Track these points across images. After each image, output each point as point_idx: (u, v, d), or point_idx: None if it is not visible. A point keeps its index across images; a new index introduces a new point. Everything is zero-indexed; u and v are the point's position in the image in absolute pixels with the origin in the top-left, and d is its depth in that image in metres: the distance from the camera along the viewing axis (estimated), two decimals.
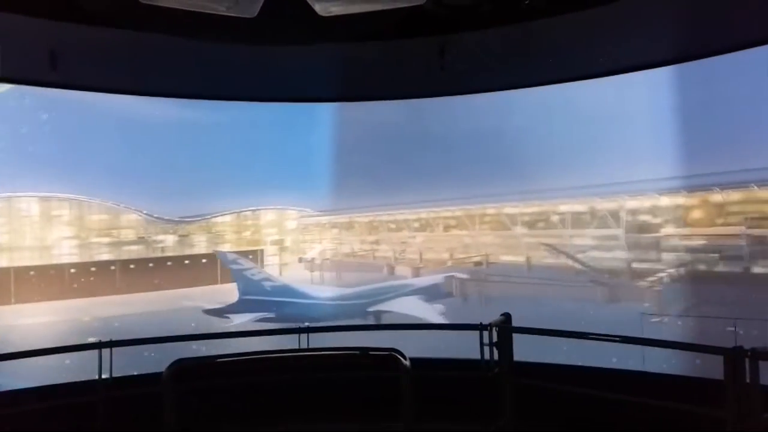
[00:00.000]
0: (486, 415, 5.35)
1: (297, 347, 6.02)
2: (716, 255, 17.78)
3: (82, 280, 23.75)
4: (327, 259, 23.23)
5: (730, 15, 6.21)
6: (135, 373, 5.90)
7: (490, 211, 22.01)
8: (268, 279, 16.32)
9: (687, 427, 4.60)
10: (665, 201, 18.83)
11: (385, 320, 16.78)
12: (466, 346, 5.16)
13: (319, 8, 5.48)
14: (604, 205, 20.14)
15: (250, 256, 20.11)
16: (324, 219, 24.69)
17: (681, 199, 18.49)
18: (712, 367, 4.03)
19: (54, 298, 23.32)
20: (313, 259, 22.75)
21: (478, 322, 5.50)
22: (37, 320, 22.27)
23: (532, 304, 16.98)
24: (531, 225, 22.02)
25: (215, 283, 20.15)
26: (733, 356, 3.97)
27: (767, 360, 3.96)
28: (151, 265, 21.79)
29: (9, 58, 6.17)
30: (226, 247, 21.06)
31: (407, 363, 4.18)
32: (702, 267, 17.96)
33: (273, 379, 5.35)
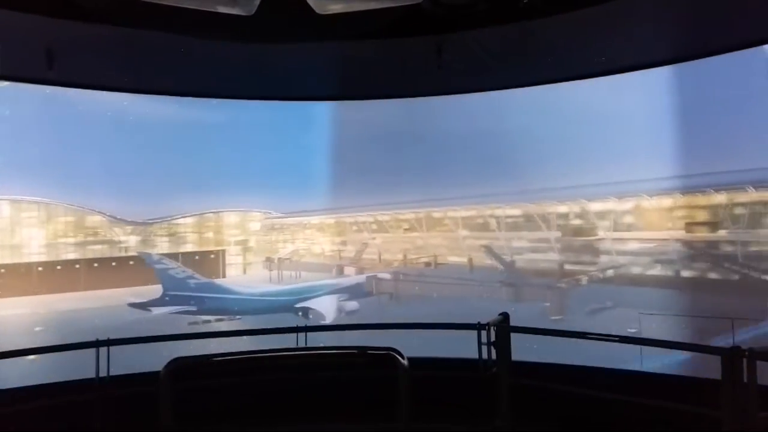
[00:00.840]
0: (484, 415, 5.36)
1: (295, 346, 6.03)
2: (648, 258, 18.53)
3: (50, 277, 24.49)
4: (287, 259, 24.07)
5: (728, 15, 6.22)
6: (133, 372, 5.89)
7: (437, 214, 22.83)
8: (191, 277, 17.67)
9: (684, 426, 4.61)
10: (612, 205, 19.34)
11: (302, 314, 17.78)
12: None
13: (317, 6, 5.47)
14: (552, 209, 20.81)
15: (212, 256, 21.21)
16: (292, 220, 25.40)
17: (629, 204, 18.97)
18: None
19: (22, 294, 24.27)
20: (273, 260, 23.66)
21: (476, 321, 5.50)
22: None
23: (442, 301, 17.88)
24: (473, 228, 22.83)
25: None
26: (731, 356, 3.97)
27: (765, 360, 3.96)
28: (114, 264, 22.42)
29: (5, 55, 6.15)
30: (188, 248, 21.81)
31: (405, 362, 4.18)
32: (636, 270, 18.64)
33: (271, 378, 5.35)
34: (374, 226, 25.46)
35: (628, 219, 19.47)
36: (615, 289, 18.34)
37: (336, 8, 5.65)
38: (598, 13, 5.78)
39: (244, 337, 6.46)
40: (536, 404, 5.32)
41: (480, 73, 7.95)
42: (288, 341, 6.22)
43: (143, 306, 18.85)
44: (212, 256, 21.84)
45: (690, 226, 18.02)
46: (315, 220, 26.16)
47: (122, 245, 22.72)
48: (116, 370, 5.23)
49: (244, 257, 22.96)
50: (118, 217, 23.27)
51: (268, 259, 24.02)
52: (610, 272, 19.08)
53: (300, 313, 18.43)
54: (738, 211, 17.35)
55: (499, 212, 21.42)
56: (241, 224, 24.18)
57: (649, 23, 6.38)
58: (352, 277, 21.93)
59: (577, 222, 20.48)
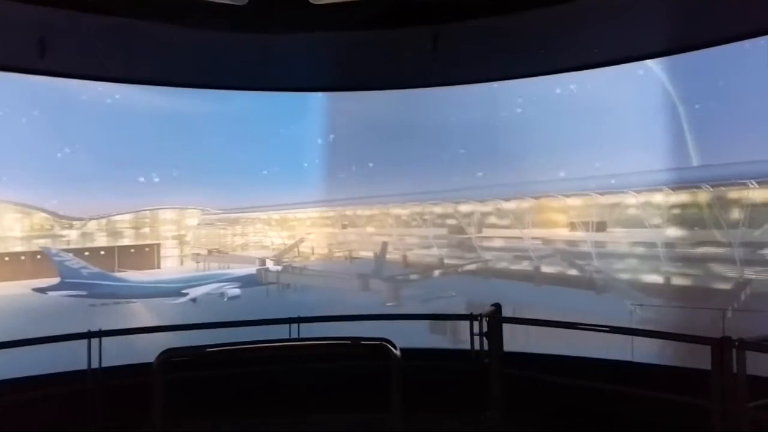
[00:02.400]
0: (476, 405, 5.39)
1: (288, 337, 6.04)
2: (512, 255, 20.08)
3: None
4: (218, 252, 25.39)
5: (720, 7, 6.23)
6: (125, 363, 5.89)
7: (347, 212, 24.56)
8: (85, 267, 20.24)
9: (674, 416, 4.64)
10: (511, 205, 20.50)
11: (187, 298, 19.38)
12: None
13: None
14: (442, 208, 22.43)
15: (147, 249, 23.29)
16: (237, 215, 26.64)
17: (528, 203, 20.04)
18: None
19: None
20: (199, 254, 25.06)
21: (469, 312, 5.53)
22: None
23: (311, 292, 19.56)
24: (376, 224, 24.66)
25: (113, 270, 22.33)
26: (720, 346, 4.00)
27: (754, 350, 4.00)
28: (38, 257, 23.69)
29: None
30: (125, 242, 23.33)
31: (398, 353, 4.19)
32: (502, 265, 20.14)
33: (264, 369, 5.37)
34: (308, 222, 27.00)
35: (528, 217, 20.54)
36: (471, 281, 19.91)
37: None
38: (592, 4, 5.79)
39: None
40: (528, 394, 5.35)
41: (474, 64, 7.95)
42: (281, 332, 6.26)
43: (43, 290, 21.21)
44: (147, 249, 23.65)
45: (572, 225, 19.05)
46: (264, 215, 27.40)
47: (64, 239, 23.97)
48: None
49: (180, 250, 24.39)
50: (61, 213, 24.33)
51: (196, 254, 25.49)
52: (478, 265, 20.72)
53: (181, 298, 20.30)
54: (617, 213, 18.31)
55: (397, 211, 23.26)
56: (179, 220, 25.50)
57: (642, 15, 6.38)
58: (244, 268, 23.65)
59: (463, 220, 22.08)
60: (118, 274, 21.67)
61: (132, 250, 24.37)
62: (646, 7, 6.24)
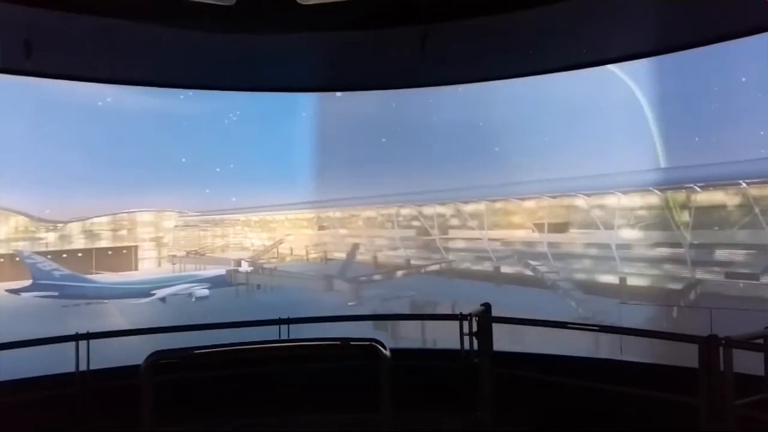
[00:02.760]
0: (466, 404, 5.40)
1: (278, 338, 6.03)
2: (473, 255, 21.24)
3: None
4: (195, 254, 26.31)
5: (710, 8, 6.27)
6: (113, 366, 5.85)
7: (329, 214, 25.75)
8: (57, 269, 20.82)
9: (663, 414, 4.68)
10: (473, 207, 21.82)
11: (156, 299, 20.29)
12: None
13: None
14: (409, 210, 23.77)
15: (124, 251, 24.05)
16: (216, 218, 27.79)
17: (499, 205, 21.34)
18: None
19: None
20: (175, 255, 25.96)
21: (458, 312, 5.54)
22: None
23: (279, 292, 19.71)
24: (352, 226, 25.77)
25: (90, 271, 23.08)
26: (707, 344, 4.03)
27: (741, 348, 4.03)
28: (17, 258, 24.35)
29: None
30: (102, 244, 24.19)
31: (387, 353, 4.19)
32: (464, 265, 21.30)
33: (253, 370, 5.35)
34: (286, 224, 28.05)
35: (490, 219, 21.88)
36: (434, 280, 21.12)
37: None
38: (581, 5, 5.82)
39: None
40: (518, 393, 5.37)
41: (464, 64, 7.96)
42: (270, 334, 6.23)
43: (16, 291, 21.59)
44: (124, 251, 24.39)
45: (536, 226, 20.11)
46: (243, 217, 28.29)
47: (43, 242, 24.52)
48: None
49: (158, 252, 25.09)
50: (42, 217, 24.93)
51: (172, 255, 26.30)
52: (441, 266, 22.13)
53: (149, 298, 21.00)
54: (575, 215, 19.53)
55: (368, 213, 24.51)
56: (157, 222, 26.23)
57: (631, 15, 6.42)
58: (216, 269, 24.38)
59: (427, 222, 23.40)
60: (89, 276, 21.94)
61: (109, 252, 24.84)
62: (633, 8, 6.27)
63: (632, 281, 16.55)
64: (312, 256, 25.85)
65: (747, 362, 4.07)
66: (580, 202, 18.41)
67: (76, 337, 5.18)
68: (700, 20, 6.60)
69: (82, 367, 5.23)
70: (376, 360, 4.17)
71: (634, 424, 5.31)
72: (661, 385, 4.35)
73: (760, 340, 4.21)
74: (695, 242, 14.72)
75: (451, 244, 22.06)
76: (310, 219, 26.62)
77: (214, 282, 22.88)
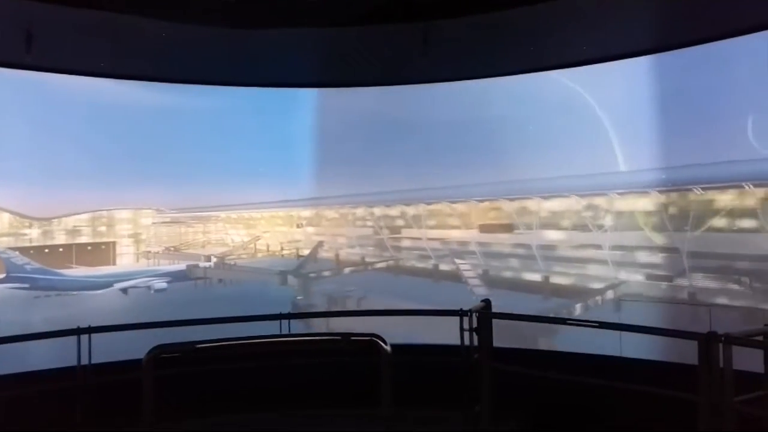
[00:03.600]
0: (466, 400, 5.41)
1: (278, 333, 6.03)
2: (417, 253, 21.80)
3: None
4: (173, 250, 27.41)
5: (709, 5, 6.28)
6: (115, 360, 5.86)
7: (307, 212, 27.30)
8: (28, 263, 21.86)
9: (662, 411, 4.69)
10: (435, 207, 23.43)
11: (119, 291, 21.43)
12: None
13: None
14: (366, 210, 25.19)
15: (103, 247, 24.94)
16: (191, 214, 29.00)
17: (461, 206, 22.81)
18: None
19: None
20: (150, 251, 27.06)
21: (458, 308, 5.55)
22: None
23: (236, 286, 21.28)
24: (315, 224, 27.07)
25: (71, 265, 23.99)
26: (707, 341, 4.04)
27: (740, 345, 4.04)
28: (17, 252, 25.24)
29: None
30: (83, 239, 25.18)
31: (388, 348, 4.20)
32: (411, 263, 21.87)
33: (254, 365, 5.36)
34: (262, 222, 29.77)
35: (432, 221, 23.58)
36: (379, 277, 21.95)
37: None
38: (581, 2, 5.82)
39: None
40: (517, 389, 5.37)
41: (464, 61, 7.97)
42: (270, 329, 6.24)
43: None
44: (103, 247, 25.34)
45: (482, 227, 21.65)
46: (223, 214, 29.48)
47: (26, 237, 25.47)
48: None
49: (136, 248, 26.11)
50: (26, 214, 25.83)
51: (147, 251, 27.25)
52: (388, 263, 22.79)
53: (110, 289, 22.08)
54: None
55: (328, 213, 26.10)
56: (135, 219, 27.17)
57: (630, 12, 6.42)
58: (181, 264, 25.50)
59: (379, 222, 24.85)
60: (58, 270, 23.21)
61: (89, 248, 25.80)
62: (633, 5, 6.28)
63: (554, 280, 17.80)
64: (285, 252, 27.15)
65: (746, 359, 4.09)
66: (505, 204, 19.36)
67: (78, 331, 5.18)
68: (699, 18, 6.61)
69: (84, 361, 5.23)
70: (377, 355, 4.19)
71: (633, 421, 5.33)
72: (660, 382, 4.36)
73: (760, 337, 4.23)
74: (615, 244, 16.34)
75: (398, 243, 22.84)
76: (285, 217, 27.90)
77: (177, 276, 23.82)
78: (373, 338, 4.29)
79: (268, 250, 26.99)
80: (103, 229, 25.79)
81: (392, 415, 4.23)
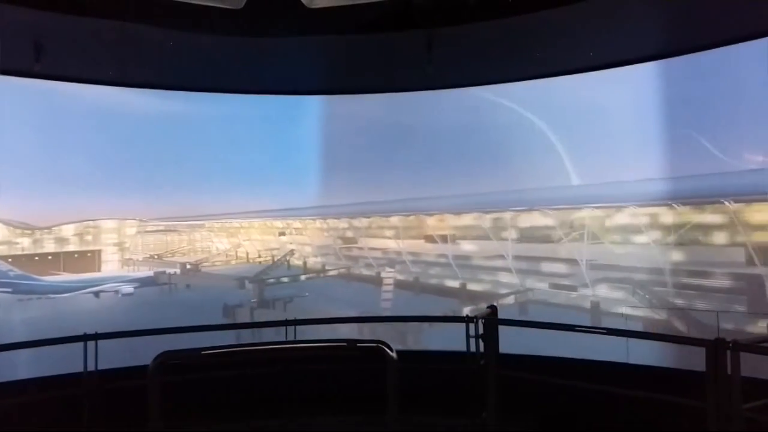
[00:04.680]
0: (472, 407, 5.40)
1: (284, 339, 6.04)
2: (363, 263, 25.03)
3: None
4: (157, 257, 28.84)
5: (716, 11, 6.27)
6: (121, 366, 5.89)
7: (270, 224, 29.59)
8: (11, 270, 23.41)
9: (668, 418, 4.67)
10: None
11: (84, 300, 22.71)
12: None
13: (306, 0, 5.48)
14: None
15: (89, 254, 26.38)
16: (176, 224, 30.31)
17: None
18: None
19: None
20: (131, 258, 28.36)
21: (464, 315, 5.54)
22: None
23: (198, 291, 23.59)
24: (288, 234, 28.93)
25: (59, 271, 25.48)
26: (715, 347, 4.02)
27: (748, 351, 4.02)
28: (9, 260, 26.08)
29: None
30: (71, 248, 26.20)
31: (394, 355, 4.20)
32: (358, 271, 25.17)
33: (260, 372, 5.36)
34: (242, 231, 31.44)
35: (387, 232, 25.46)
36: (332, 284, 24.82)
37: (324, 2, 5.67)
38: (587, 8, 5.82)
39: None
40: (524, 396, 5.36)
41: (469, 68, 7.98)
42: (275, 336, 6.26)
43: None
44: (89, 254, 26.69)
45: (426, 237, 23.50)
46: (208, 223, 30.98)
47: (18, 246, 26.74)
48: None
49: (121, 255, 27.45)
50: (21, 222, 27.04)
51: (128, 258, 28.67)
52: (340, 271, 26.07)
53: (82, 293, 23.39)
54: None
55: (297, 224, 28.31)
56: (119, 229, 28.41)
57: (637, 18, 6.43)
58: (144, 271, 26.62)
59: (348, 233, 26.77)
60: (37, 276, 24.12)
61: (76, 255, 26.61)
62: (639, 11, 6.28)
63: (470, 286, 20.39)
64: (260, 259, 28.26)
65: (755, 366, 4.07)
66: (430, 220, 22.60)
67: (84, 338, 5.20)
68: (706, 23, 6.60)
69: (91, 367, 5.25)
70: (383, 362, 4.19)
71: (640, 428, 5.30)
72: (667, 388, 4.34)
73: None
74: (520, 255, 19.11)
75: (350, 253, 25.77)
76: (265, 227, 29.41)
77: (145, 282, 24.79)
78: (380, 344, 4.28)
79: (247, 258, 28.55)
80: (89, 238, 27.16)
81: (398, 422, 4.22)
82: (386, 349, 4.23)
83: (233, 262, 27.96)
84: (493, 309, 5.54)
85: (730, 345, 3.97)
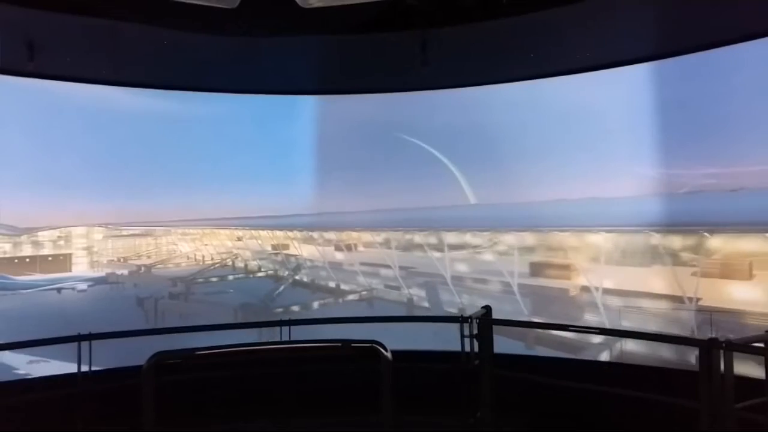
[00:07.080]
0: (467, 406, 5.41)
1: (278, 339, 6.04)
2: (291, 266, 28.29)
3: None
4: (122, 260, 30.28)
5: (710, 12, 6.29)
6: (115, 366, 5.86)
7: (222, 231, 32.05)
8: None
9: (662, 417, 4.68)
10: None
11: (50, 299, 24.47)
12: None
13: (300, 0, 5.47)
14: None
15: (61, 257, 28.26)
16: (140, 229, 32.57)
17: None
18: None
19: None
20: (98, 261, 29.90)
21: (459, 315, 5.55)
22: None
23: (143, 287, 25.72)
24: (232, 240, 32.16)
25: (35, 272, 26.92)
26: (708, 347, 4.04)
27: (742, 351, 4.04)
28: None
29: None
30: (45, 251, 28.04)
31: (388, 355, 4.20)
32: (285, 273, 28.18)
33: (254, 372, 5.35)
34: (199, 236, 33.72)
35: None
36: (258, 282, 27.34)
37: (318, 2, 5.66)
38: (582, 9, 5.83)
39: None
40: (518, 396, 5.37)
41: (463, 69, 7.99)
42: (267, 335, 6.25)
43: None
44: (61, 257, 28.84)
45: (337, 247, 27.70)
46: (172, 229, 32.85)
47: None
48: None
49: (90, 258, 29.51)
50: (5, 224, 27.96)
51: (95, 261, 30.09)
52: (268, 273, 29.44)
53: (43, 289, 25.15)
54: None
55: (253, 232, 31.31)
56: (88, 234, 29.98)
57: (632, 19, 6.44)
58: (101, 272, 28.59)
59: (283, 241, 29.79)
60: (9, 275, 25.84)
61: (50, 258, 28.28)
62: (634, 12, 6.30)
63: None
64: (212, 262, 30.44)
65: (747, 365, 4.09)
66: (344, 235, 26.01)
67: (78, 338, 5.18)
68: (700, 25, 6.63)
69: (85, 367, 5.23)
70: (377, 362, 4.19)
71: (633, 427, 5.32)
72: (661, 388, 4.36)
73: (761, 344, 4.22)
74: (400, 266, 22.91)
75: (276, 257, 28.65)
76: (224, 233, 30.94)
77: (97, 281, 26.65)
78: (374, 345, 4.28)
79: (203, 261, 30.77)
80: (62, 243, 28.19)
81: (393, 422, 4.22)
82: (381, 349, 4.23)
83: (183, 264, 30.78)
84: (487, 309, 5.55)
85: (723, 345, 3.99)
